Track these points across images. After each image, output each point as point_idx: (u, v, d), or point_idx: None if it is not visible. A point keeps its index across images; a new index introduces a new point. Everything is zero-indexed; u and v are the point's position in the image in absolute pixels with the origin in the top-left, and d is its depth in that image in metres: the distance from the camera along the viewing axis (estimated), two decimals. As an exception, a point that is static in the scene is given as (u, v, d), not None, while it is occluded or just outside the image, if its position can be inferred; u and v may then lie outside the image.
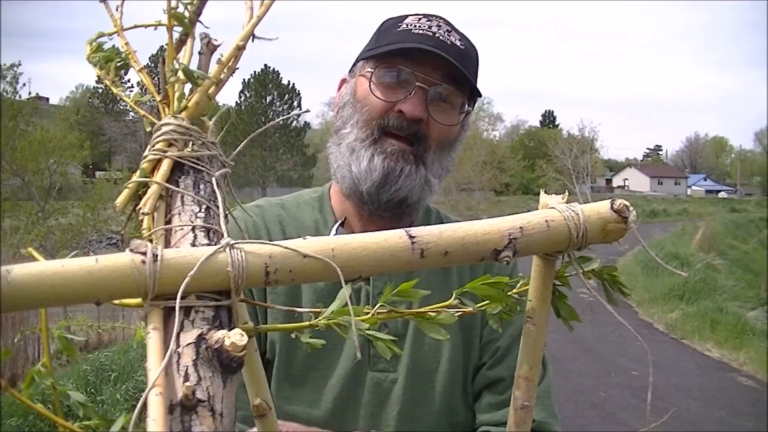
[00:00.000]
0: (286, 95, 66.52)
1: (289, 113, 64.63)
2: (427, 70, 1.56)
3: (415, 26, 1.59)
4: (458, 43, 1.59)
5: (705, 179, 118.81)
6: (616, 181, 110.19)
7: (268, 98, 66.00)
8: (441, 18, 1.63)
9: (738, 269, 21.32)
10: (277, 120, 1.13)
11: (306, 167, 65.71)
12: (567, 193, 0.81)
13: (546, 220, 0.75)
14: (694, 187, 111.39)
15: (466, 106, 1.64)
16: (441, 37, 1.57)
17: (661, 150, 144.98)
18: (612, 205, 0.77)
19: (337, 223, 1.68)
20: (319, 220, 1.71)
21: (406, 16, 1.63)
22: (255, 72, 65.26)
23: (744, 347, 11.22)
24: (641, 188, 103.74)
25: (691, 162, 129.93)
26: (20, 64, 20.16)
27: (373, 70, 1.60)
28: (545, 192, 0.83)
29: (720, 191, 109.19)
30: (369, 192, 1.57)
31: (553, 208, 0.77)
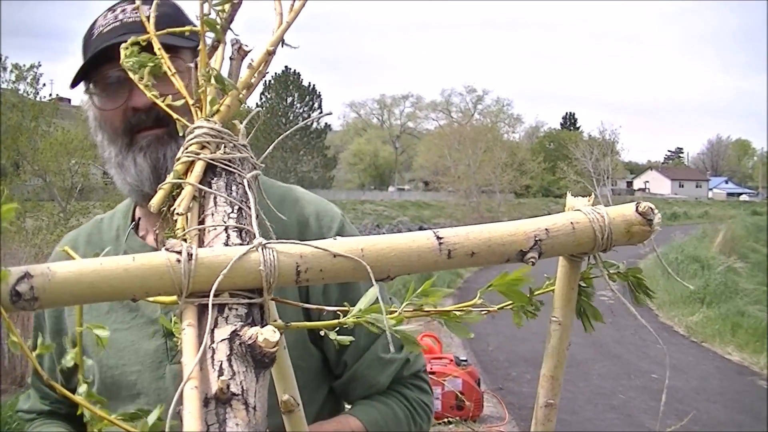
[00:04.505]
0: (307, 97, 66.73)
1: (308, 114, 64.85)
2: None
3: (103, 26, 1.58)
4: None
5: (726, 182, 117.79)
6: (637, 184, 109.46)
7: (289, 99, 66.24)
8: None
9: (759, 272, 21.07)
10: (304, 122, 1.14)
11: (327, 169, 65.86)
12: (593, 196, 0.83)
13: (571, 222, 0.77)
14: (715, 190, 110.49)
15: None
16: (128, 20, 1.56)
17: (683, 153, 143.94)
18: (637, 207, 0.79)
19: (131, 226, 1.70)
20: (121, 227, 1.73)
21: (96, 20, 1.62)
22: (276, 74, 65.42)
23: (765, 351, 11.12)
24: (662, 191, 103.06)
25: (712, 164, 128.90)
26: (40, 65, 20.29)
27: (92, 89, 1.61)
28: (571, 194, 0.84)
29: (741, 194, 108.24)
30: (153, 190, 1.56)
31: (578, 210, 0.78)
